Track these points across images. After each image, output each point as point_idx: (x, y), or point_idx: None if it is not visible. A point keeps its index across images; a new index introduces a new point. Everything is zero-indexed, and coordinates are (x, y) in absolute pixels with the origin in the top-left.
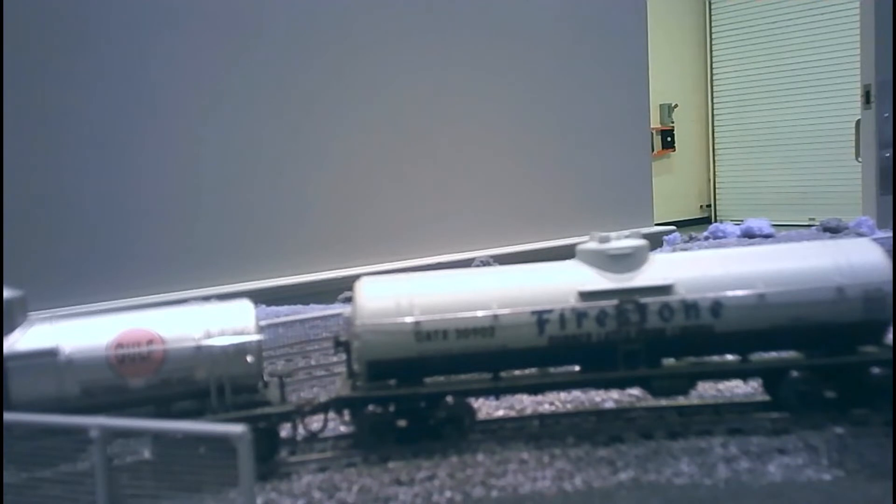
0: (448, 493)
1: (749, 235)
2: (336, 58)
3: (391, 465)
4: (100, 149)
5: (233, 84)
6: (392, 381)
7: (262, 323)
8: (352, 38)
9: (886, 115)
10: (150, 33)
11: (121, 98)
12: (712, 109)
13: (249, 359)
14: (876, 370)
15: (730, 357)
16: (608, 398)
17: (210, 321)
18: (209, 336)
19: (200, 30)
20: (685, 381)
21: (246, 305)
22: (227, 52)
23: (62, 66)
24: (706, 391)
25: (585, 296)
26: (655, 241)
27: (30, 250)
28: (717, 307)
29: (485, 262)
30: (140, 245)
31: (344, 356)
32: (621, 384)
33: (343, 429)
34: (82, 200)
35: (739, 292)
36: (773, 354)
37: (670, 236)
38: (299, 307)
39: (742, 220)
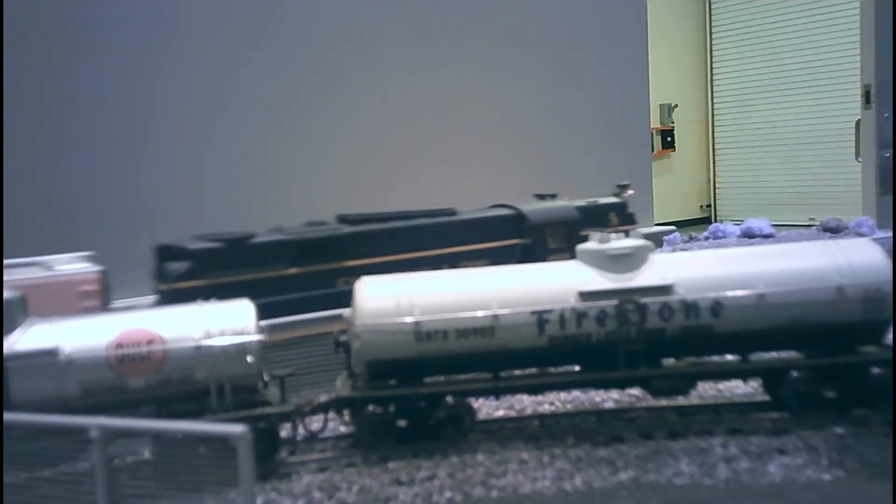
0: (448, 493)
1: (749, 235)
2: (340, 61)
3: (391, 465)
4: (103, 147)
5: (234, 92)
6: (392, 381)
7: (262, 323)
8: (356, 41)
9: (886, 115)
10: (157, 21)
11: (125, 95)
12: (712, 109)
13: (249, 359)
14: (876, 370)
15: (730, 357)
16: (608, 398)
17: (210, 321)
18: (209, 336)
19: (208, 28)
20: (685, 381)
21: (246, 305)
22: (228, 59)
23: (73, 64)
24: (706, 391)
25: (585, 296)
26: (655, 241)
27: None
28: (717, 307)
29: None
30: (141, 241)
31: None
32: (621, 384)
33: (343, 429)
34: (88, 197)
35: (739, 292)
36: (773, 354)
37: (670, 236)
38: None
39: (742, 220)
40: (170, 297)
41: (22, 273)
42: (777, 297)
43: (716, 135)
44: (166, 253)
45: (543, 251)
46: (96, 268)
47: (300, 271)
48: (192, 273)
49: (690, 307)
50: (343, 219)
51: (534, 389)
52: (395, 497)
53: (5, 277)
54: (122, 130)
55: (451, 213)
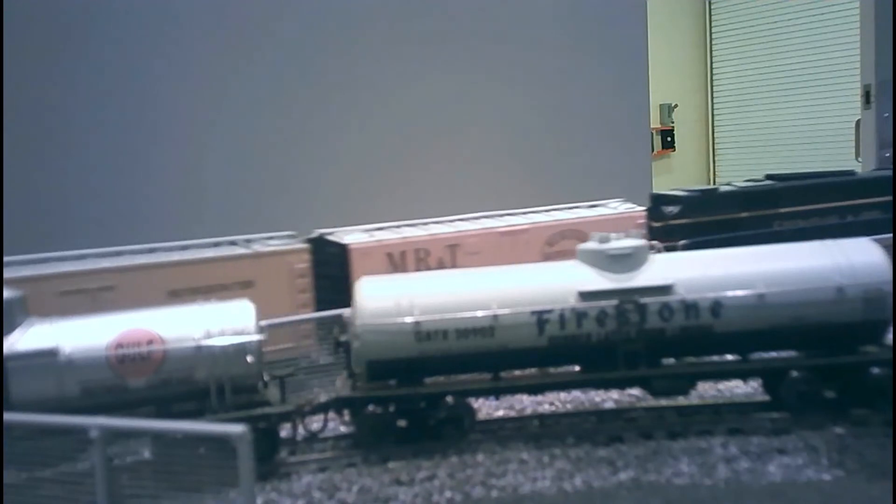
0: (448, 493)
1: None
2: (340, 64)
3: (391, 465)
4: (104, 148)
5: (235, 94)
6: (392, 381)
7: (262, 323)
8: (357, 43)
9: (886, 115)
10: (159, 23)
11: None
12: (712, 109)
13: (249, 359)
14: (876, 370)
15: (730, 357)
16: (608, 398)
17: (210, 321)
18: (209, 336)
19: (209, 28)
20: (685, 381)
21: (246, 305)
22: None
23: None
24: (706, 391)
25: (585, 296)
26: None
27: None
28: (717, 307)
29: None
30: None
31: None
32: (621, 384)
33: (343, 429)
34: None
35: (739, 292)
36: (773, 354)
37: None
38: None
39: None
40: (664, 231)
41: (584, 212)
42: (777, 297)
43: (716, 135)
44: (661, 199)
45: None
46: (641, 207)
47: (750, 214)
48: (680, 214)
49: (690, 307)
50: (771, 177)
51: (534, 389)
52: (395, 497)
53: (572, 213)
54: (122, 131)
55: (851, 173)
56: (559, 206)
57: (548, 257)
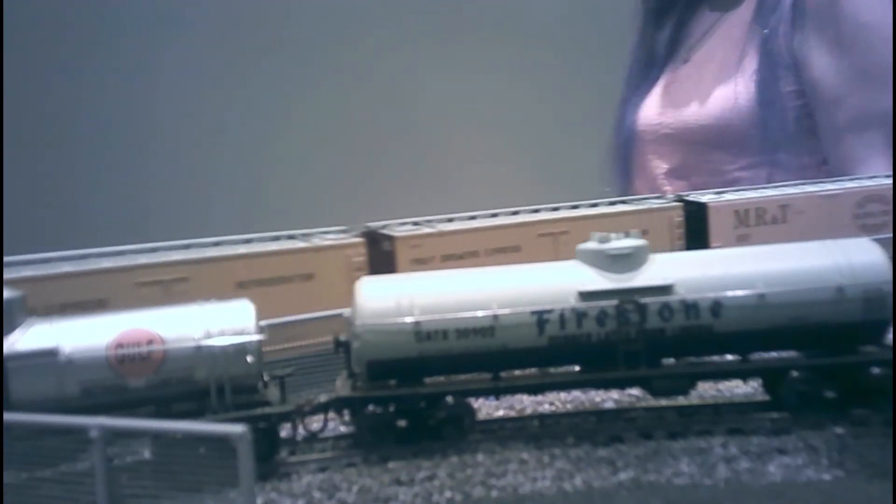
0: (448, 493)
1: None
2: (344, 64)
3: (391, 465)
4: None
5: (239, 95)
6: (392, 381)
7: (262, 323)
8: (362, 44)
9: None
10: (162, 23)
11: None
12: None
13: (249, 359)
14: (876, 370)
15: (730, 357)
16: (608, 398)
17: (210, 321)
18: (209, 336)
19: (214, 28)
20: (685, 381)
21: (246, 305)
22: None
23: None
24: (706, 391)
25: (585, 296)
26: None
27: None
28: (717, 307)
29: None
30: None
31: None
32: (621, 384)
33: (343, 429)
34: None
35: (739, 292)
36: (773, 354)
37: None
38: None
39: None
40: None
41: (884, 181)
42: (777, 297)
43: None
44: None
45: None
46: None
47: None
48: None
49: (690, 307)
50: None
51: (534, 389)
52: (395, 497)
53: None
54: (126, 131)
55: None
56: (861, 176)
57: (857, 217)
